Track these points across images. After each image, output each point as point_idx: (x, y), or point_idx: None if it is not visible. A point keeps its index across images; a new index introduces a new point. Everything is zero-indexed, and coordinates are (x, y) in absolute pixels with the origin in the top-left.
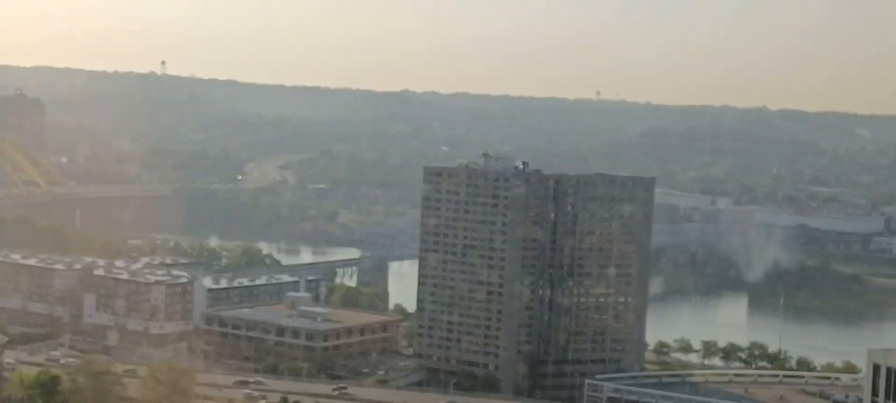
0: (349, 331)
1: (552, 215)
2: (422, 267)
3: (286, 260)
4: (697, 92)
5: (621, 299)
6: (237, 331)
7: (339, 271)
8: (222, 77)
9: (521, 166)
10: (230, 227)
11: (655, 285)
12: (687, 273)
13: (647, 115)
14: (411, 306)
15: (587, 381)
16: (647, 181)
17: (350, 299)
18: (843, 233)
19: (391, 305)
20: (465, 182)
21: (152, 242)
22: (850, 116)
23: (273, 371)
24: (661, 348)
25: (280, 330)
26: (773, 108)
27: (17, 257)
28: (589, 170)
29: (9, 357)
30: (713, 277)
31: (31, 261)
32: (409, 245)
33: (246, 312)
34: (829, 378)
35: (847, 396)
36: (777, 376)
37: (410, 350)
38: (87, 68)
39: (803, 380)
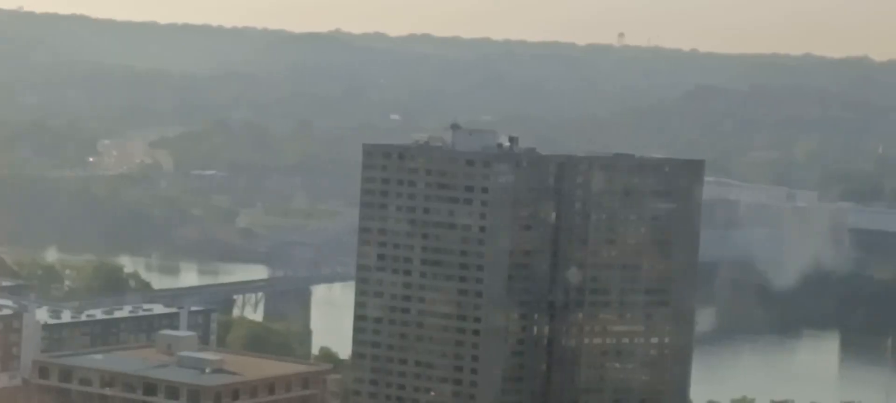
0: (253, 388)
1: (553, 216)
2: (360, 293)
3: (159, 283)
4: (767, 36)
5: (654, 340)
6: (85, 388)
7: (239, 299)
8: (65, 11)
9: (508, 143)
10: (77, 234)
11: (705, 319)
12: (751, 301)
13: (692, 69)
14: (345, 351)
15: None
16: (692, 165)
17: (255, 340)
18: None
19: (315, 349)
20: (424, 166)
21: None
22: None
23: None
24: None
25: (149, 387)
26: (879, 59)
27: None
28: (606, 150)
29: None
30: (789, 308)
31: None
32: (342, 260)
33: (99, 359)
34: None
35: None
36: None
37: None
38: None
39: None
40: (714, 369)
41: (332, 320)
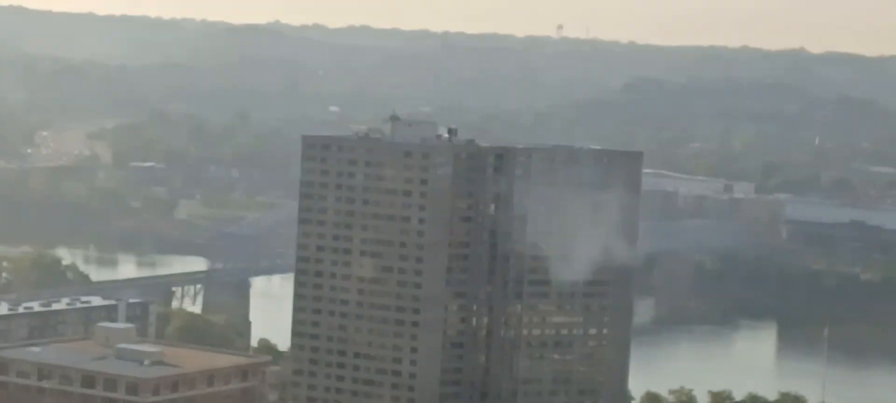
0: (192, 380)
1: (492, 207)
2: (299, 284)
3: (98, 275)
4: (704, 28)
5: (593, 331)
6: (23, 381)
7: (177, 290)
8: (1, 2)
9: (447, 134)
10: (14, 226)
11: (643, 310)
12: (689, 292)
13: (630, 61)
14: (284, 343)
15: None
16: (631, 157)
17: (193, 332)
18: None
19: (254, 341)
20: (363, 158)
21: None
22: None
23: None
24: (652, 402)
25: (87, 380)
26: (815, 51)
27: None
28: (545, 141)
29: None
30: (727, 298)
31: None
32: (281, 252)
33: (36, 352)
34: None
35: None
36: None
37: None
38: None
39: None
40: (653, 360)
41: (271, 312)
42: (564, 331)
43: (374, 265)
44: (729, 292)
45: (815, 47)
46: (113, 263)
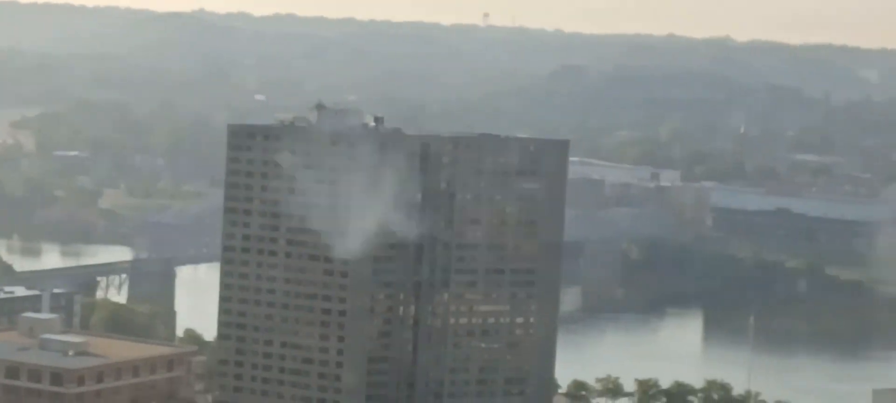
0: (117, 371)
1: (418, 196)
2: (225, 273)
3: (21, 266)
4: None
5: (520, 319)
6: None
7: (102, 280)
8: None
9: (374, 123)
10: None
11: (570, 298)
12: (615, 280)
13: (556, 49)
14: (210, 332)
15: None
16: (557, 145)
17: (118, 322)
18: (839, 222)
19: (180, 331)
20: (289, 147)
21: None
22: (849, 51)
23: None
24: (578, 390)
25: (12, 370)
26: (740, 39)
27: None
28: (472, 130)
29: None
30: (653, 286)
31: None
32: (207, 241)
33: None
34: None
35: None
36: None
37: (208, 398)
38: None
39: None
40: (579, 348)
41: (196, 301)
42: (491, 320)
43: (301, 254)
44: (655, 280)
45: (741, 36)
46: (37, 253)
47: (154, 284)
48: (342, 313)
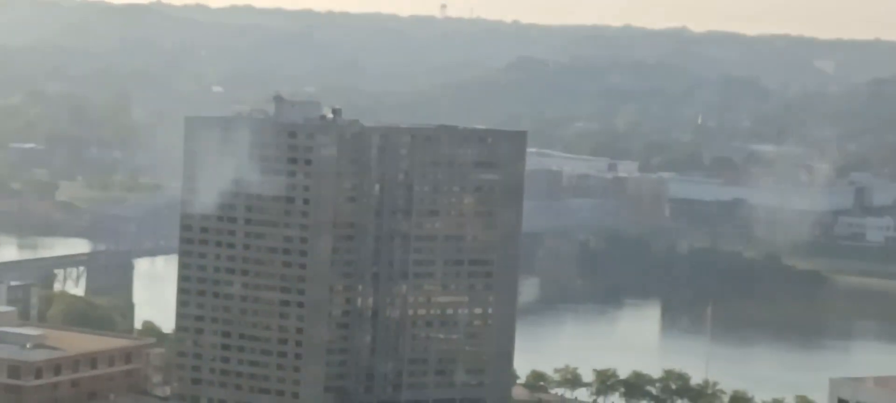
0: (75, 363)
1: (376, 187)
2: (183, 266)
3: None
4: (587, 7)
5: (478, 310)
6: None
7: (60, 273)
8: None
9: (331, 114)
10: None
11: (528, 289)
12: (573, 271)
13: (513, 41)
14: (168, 325)
15: None
16: (514, 137)
17: (76, 314)
18: (796, 212)
19: (138, 323)
20: (247, 139)
21: None
22: (805, 42)
23: None
24: (537, 381)
25: None
26: (697, 30)
27: None
28: (430, 121)
29: None
30: (611, 277)
31: None
32: (165, 234)
33: None
34: None
35: None
36: None
37: (166, 390)
38: None
39: None
40: (538, 339)
41: (155, 294)
42: (450, 311)
43: (259, 246)
44: (613, 271)
45: (698, 26)
46: None
47: (112, 276)
48: (300, 305)
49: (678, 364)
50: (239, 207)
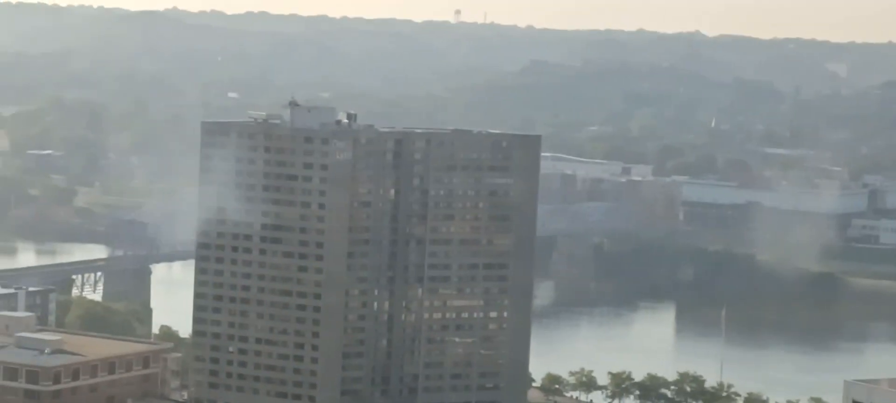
0: (93, 368)
1: (392, 192)
2: (200, 271)
3: None
4: (600, 12)
5: (493, 314)
6: None
7: (78, 278)
8: None
9: (346, 119)
10: None
11: (543, 293)
12: (588, 274)
13: (528, 45)
14: (185, 329)
15: None
16: (529, 141)
17: (94, 320)
18: (809, 215)
19: (155, 328)
20: (262, 144)
21: None
22: (818, 45)
23: None
24: (552, 384)
25: None
26: (711, 34)
27: None
28: (444, 125)
29: None
30: (626, 280)
31: None
32: (182, 239)
33: None
34: None
35: None
36: None
37: (184, 394)
38: None
39: None
40: (553, 342)
41: (172, 299)
42: (465, 315)
43: (275, 251)
44: (627, 274)
45: (711, 30)
46: (12, 251)
47: (129, 282)
48: (317, 309)
49: (693, 367)
50: (255, 212)
